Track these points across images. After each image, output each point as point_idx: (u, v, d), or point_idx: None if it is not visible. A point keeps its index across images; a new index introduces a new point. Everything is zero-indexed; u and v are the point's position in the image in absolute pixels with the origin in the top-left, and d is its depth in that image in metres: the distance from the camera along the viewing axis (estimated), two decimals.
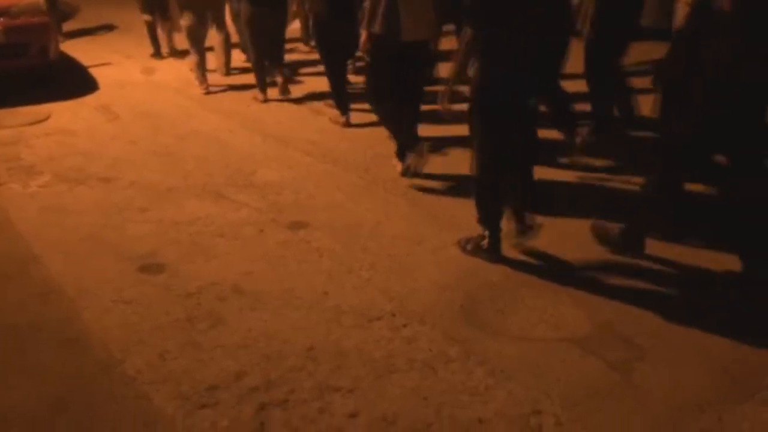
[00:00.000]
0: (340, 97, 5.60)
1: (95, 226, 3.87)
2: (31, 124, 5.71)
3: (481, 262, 3.38)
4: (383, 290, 3.17)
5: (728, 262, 3.25)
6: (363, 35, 4.30)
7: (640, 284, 3.19)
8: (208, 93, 6.54)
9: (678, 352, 2.71)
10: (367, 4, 4.22)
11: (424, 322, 2.92)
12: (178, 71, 7.57)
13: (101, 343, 2.80)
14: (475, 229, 3.46)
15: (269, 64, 6.38)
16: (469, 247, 3.47)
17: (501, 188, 3.39)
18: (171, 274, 3.33)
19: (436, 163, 4.56)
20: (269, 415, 2.39)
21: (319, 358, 2.69)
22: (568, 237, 3.62)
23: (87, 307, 3.06)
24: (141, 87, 7.01)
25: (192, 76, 6.81)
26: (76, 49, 8.39)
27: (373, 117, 5.49)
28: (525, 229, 3.42)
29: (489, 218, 3.38)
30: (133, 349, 2.75)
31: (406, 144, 4.40)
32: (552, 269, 3.33)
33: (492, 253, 3.38)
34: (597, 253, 3.46)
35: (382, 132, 5.38)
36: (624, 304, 3.02)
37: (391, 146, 5.12)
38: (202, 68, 6.59)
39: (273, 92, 6.34)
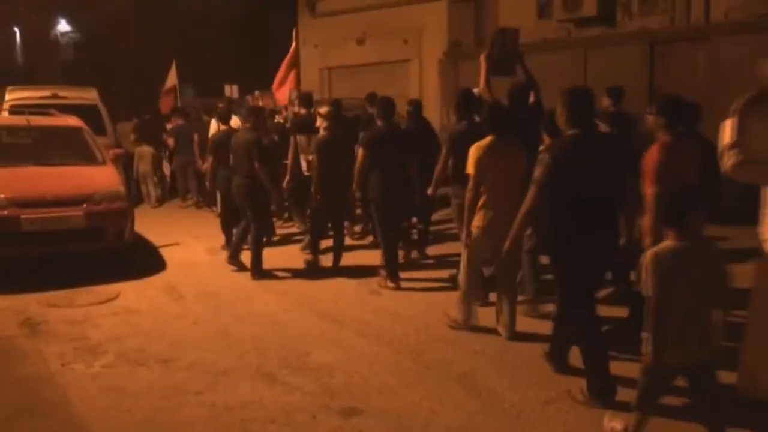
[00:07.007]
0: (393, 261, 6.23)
1: (150, 409, 3.88)
2: (101, 303, 5.98)
3: None
4: None
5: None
6: None
7: None
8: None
9: None
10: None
11: None
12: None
13: None
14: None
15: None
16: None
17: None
18: None
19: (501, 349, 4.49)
20: None
21: None
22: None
23: None
24: (205, 266, 7.34)
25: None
26: (149, 229, 8.94)
27: (429, 288, 5.55)
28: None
29: None
30: None
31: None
32: None
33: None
34: None
35: (437, 313, 5.40)
36: None
37: (447, 328, 5.09)
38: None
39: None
